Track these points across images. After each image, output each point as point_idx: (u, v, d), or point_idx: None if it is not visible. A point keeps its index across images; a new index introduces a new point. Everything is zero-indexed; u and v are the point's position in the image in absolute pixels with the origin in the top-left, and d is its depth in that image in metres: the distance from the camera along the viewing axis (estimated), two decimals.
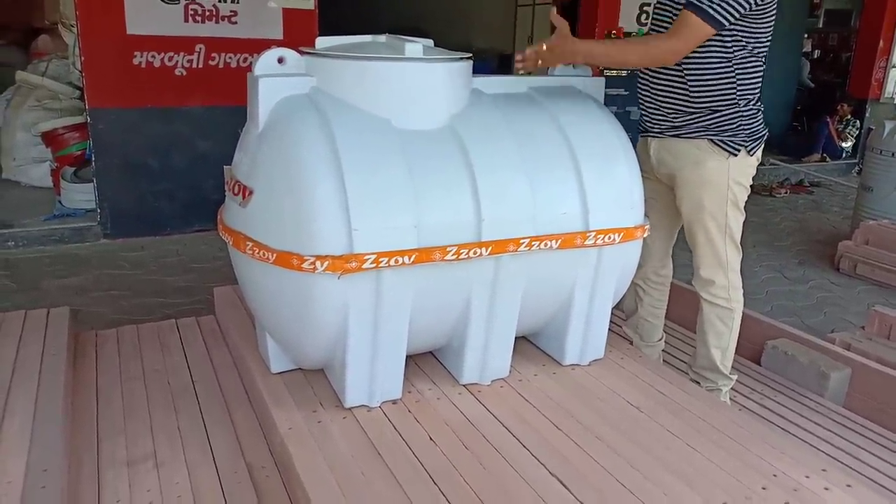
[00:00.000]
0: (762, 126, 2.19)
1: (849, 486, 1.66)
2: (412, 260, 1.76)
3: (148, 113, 4.72)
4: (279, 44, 4.86)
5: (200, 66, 4.75)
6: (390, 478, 1.63)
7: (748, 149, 2.12)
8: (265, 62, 1.88)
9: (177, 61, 4.68)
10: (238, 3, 4.72)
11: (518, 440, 1.80)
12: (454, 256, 1.81)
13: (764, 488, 1.63)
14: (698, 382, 2.36)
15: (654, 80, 2.20)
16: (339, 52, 1.90)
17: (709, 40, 2.03)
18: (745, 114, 2.11)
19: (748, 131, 2.12)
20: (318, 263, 1.70)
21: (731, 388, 2.43)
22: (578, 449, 1.77)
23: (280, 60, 1.90)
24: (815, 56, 10.16)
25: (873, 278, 4.50)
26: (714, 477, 1.68)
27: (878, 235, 4.61)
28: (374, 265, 1.72)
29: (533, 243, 1.90)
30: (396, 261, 1.74)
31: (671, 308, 2.66)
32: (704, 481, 1.66)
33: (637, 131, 2.40)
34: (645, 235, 2.14)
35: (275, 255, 1.76)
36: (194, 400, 2.17)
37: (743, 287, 2.32)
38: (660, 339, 2.57)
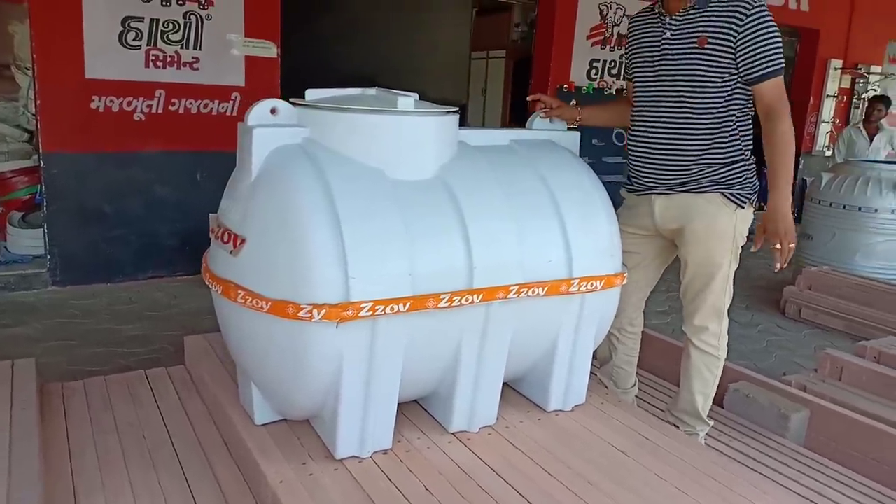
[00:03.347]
0: (757, 178, 2.31)
1: None
2: (407, 308, 1.78)
3: (104, 158, 4.63)
4: (241, 91, 4.94)
5: (160, 111, 4.71)
6: None
7: (751, 201, 2.24)
8: (258, 112, 1.91)
9: (136, 106, 4.63)
10: (200, 49, 4.73)
11: (513, 488, 1.81)
12: (447, 304, 1.84)
13: None
14: (676, 426, 2.42)
15: (659, 139, 2.27)
16: (332, 105, 1.94)
17: (714, 96, 2.16)
18: (749, 166, 2.23)
19: (752, 184, 2.25)
20: (314, 312, 1.70)
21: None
22: (572, 494, 1.80)
23: (273, 111, 1.92)
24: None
25: (817, 322, 4.72)
26: None
27: (820, 281, 4.85)
28: (370, 313, 1.74)
29: (522, 290, 1.95)
30: (392, 308, 1.76)
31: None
32: None
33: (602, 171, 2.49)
34: (623, 283, 2.21)
35: (269, 303, 1.75)
36: (173, 454, 2.11)
37: None
38: (633, 386, 2.64)
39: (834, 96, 8.44)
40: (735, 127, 2.19)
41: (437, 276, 1.84)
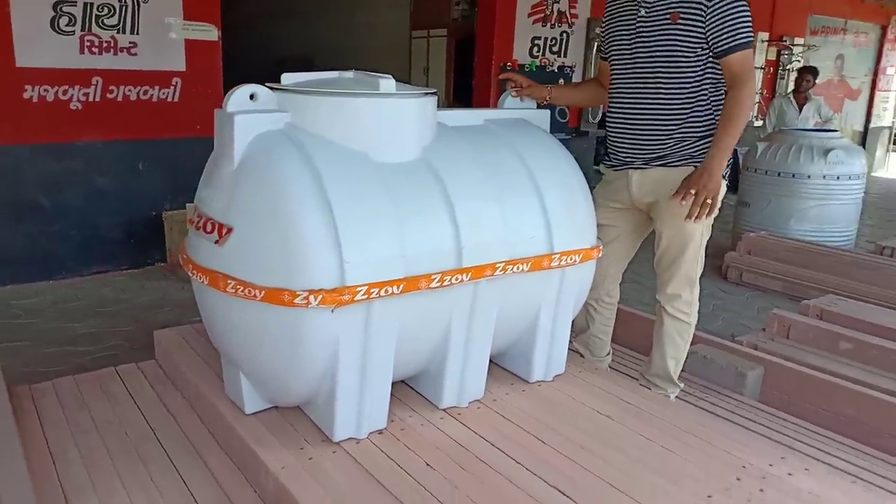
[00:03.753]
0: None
1: (807, 469, 1.86)
2: (401, 289, 1.80)
3: (40, 149, 4.42)
4: (181, 76, 4.79)
5: (97, 99, 4.52)
6: None
7: (724, 174, 2.32)
8: (238, 99, 1.87)
9: (72, 95, 4.42)
10: (138, 34, 4.54)
11: (510, 457, 1.87)
12: (438, 283, 1.87)
13: (738, 479, 1.80)
14: (648, 388, 2.53)
15: (636, 115, 2.35)
16: (314, 89, 1.92)
17: (688, 70, 2.23)
18: None
19: None
20: (311, 298, 1.70)
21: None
22: (566, 459, 1.87)
23: (252, 97, 1.89)
24: None
25: (758, 285, 4.96)
26: (692, 473, 1.83)
27: (759, 246, 5.09)
28: (365, 296, 1.75)
29: (507, 267, 2.00)
30: (386, 291, 1.78)
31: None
32: (686, 478, 1.80)
33: None
34: (599, 255, 2.29)
35: (263, 292, 1.74)
36: (160, 448, 2.08)
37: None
38: (607, 354, 2.74)
39: (761, 68, 8.79)
40: (709, 101, 2.28)
41: (428, 256, 1.87)
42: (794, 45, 8.96)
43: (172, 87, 4.79)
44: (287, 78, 2.02)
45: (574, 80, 6.72)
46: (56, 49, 4.28)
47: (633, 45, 2.31)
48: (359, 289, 1.73)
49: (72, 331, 3.88)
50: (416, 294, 1.85)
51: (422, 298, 1.88)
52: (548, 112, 2.46)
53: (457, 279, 1.90)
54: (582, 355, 2.65)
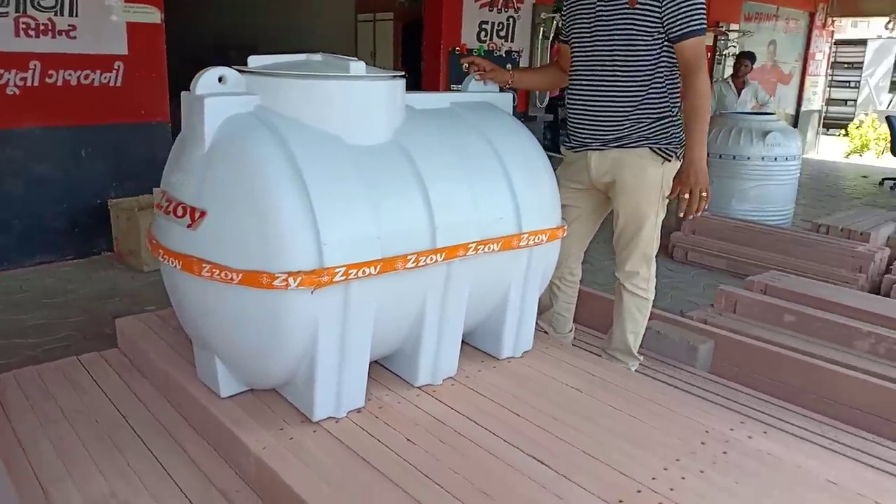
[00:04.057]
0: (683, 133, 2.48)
1: (765, 432, 1.98)
2: (378, 270, 1.83)
3: None
4: (124, 60, 4.66)
5: (36, 83, 4.36)
6: (385, 480, 1.68)
7: (678, 155, 2.41)
8: (206, 81, 1.86)
9: (8, 79, 4.25)
10: (77, 16, 4.39)
11: (487, 430, 1.93)
12: (413, 264, 1.90)
13: (703, 443, 1.90)
14: (610, 362, 2.63)
15: (594, 97, 2.41)
16: (285, 71, 1.92)
17: (645, 54, 2.30)
18: (676, 122, 2.40)
19: (679, 139, 2.41)
20: (290, 280, 1.71)
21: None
22: (540, 430, 1.94)
23: (221, 79, 1.88)
24: None
25: (703, 263, 5.16)
26: (660, 439, 1.92)
27: (702, 226, 5.28)
28: (343, 278, 1.77)
29: (479, 247, 2.05)
30: (364, 272, 1.80)
31: None
32: (654, 443, 1.89)
33: None
34: (564, 235, 2.36)
35: (240, 275, 1.74)
36: (133, 435, 2.05)
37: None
38: (570, 331, 2.83)
39: None
40: (665, 85, 2.37)
41: (403, 237, 1.90)
42: (729, 30, 9.27)
43: (115, 72, 4.65)
44: (254, 60, 2.01)
45: (521, 64, 6.80)
46: None
47: (593, 29, 2.38)
48: (337, 270, 1.75)
49: (19, 323, 3.76)
50: (392, 274, 1.88)
51: (398, 279, 1.91)
52: (510, 95, 2.51)
53: (431, 259, 1.94)
54: (546, 332, 2.73)
